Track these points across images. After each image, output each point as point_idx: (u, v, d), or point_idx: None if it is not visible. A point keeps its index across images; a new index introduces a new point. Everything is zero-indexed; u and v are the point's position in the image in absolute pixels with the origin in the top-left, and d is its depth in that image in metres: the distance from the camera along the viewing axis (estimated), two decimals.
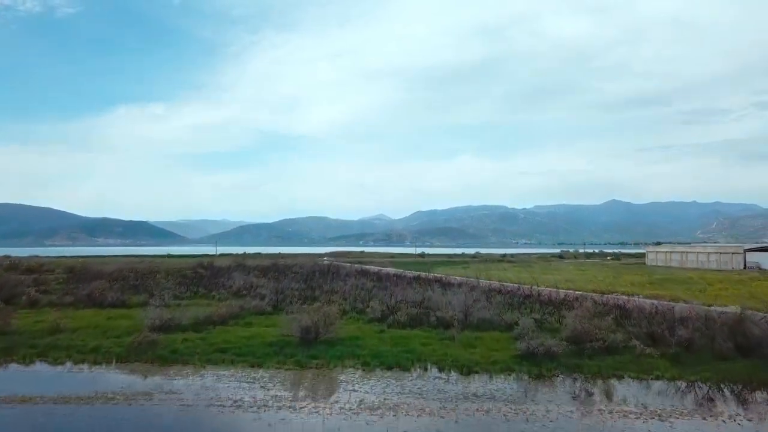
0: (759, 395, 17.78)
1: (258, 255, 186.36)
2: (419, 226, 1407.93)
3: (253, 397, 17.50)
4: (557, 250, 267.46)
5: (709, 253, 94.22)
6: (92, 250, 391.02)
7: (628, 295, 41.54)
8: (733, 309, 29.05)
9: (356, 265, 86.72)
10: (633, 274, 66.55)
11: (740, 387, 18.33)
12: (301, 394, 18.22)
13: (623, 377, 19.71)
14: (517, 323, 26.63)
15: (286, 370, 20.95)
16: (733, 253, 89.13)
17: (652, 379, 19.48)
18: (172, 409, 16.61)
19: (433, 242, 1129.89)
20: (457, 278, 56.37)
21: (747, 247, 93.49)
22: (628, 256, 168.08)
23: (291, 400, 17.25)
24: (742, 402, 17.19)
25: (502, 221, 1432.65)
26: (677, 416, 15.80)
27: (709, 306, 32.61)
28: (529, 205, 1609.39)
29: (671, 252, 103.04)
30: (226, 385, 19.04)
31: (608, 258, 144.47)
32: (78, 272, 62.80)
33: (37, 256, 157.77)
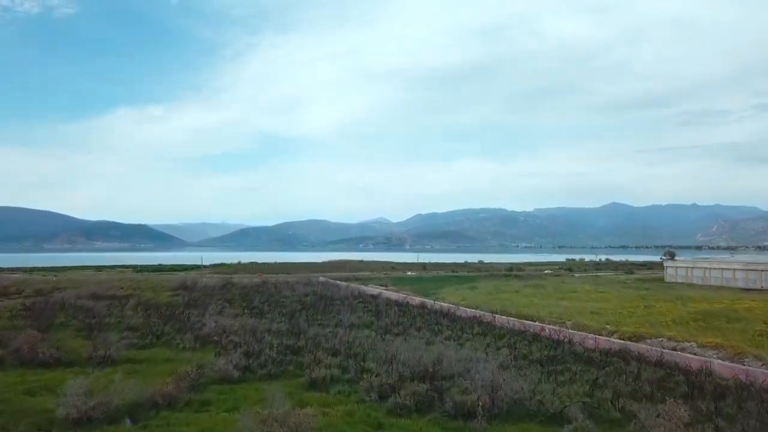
0: None
1: (252, 265, 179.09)
2: (419, 230, 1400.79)
3: None
4: (562, 258, 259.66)
5: (735, 269, 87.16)
6: (87, 257, 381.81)
7: (677, 342, 34.44)
8: None
9: (353, 285, 79.50)
10: (663, 301, 59.39)
11: None
12: None
13: None
14: (562, 413, 19.52)
15: None
16: (762, 270, 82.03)
17: None
18: None
19: (433, 246, 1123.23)
20: (468, 311, 49.18)
21: None
22: (639, 267, 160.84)
23: None
24: None
25: (502, 224, 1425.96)
26: None
27: None
28: (529, 208, 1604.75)
29: (692, 267, 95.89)
30: None
31: (621, 271, 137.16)
32: (37, 303, 55.45)
33: (19, 269, 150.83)
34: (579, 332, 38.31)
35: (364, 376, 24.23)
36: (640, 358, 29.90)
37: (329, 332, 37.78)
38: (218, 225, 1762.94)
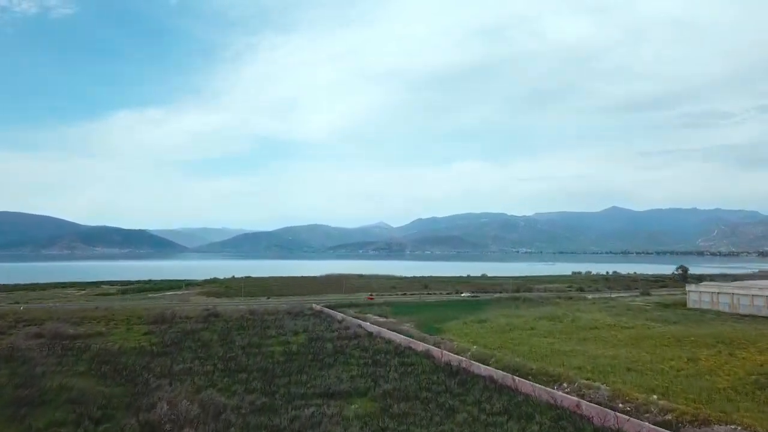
0: None
1: (247, 280, 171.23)
2: (419, 235, 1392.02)
3: None
4: (567, 269, 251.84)
5: (766, 296, 79.63)
6: (80, 267, 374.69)
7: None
8: None
9: (349, 318, 71.88)
10: (704, 346, 51.75)
11: None
12: None
13: None
14: None
15: None
16: None
17: None
18: None
19: (433, 251, 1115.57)
20: (482, 367, 41.56)
21: None
22: (651, 282, 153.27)
23: None
24: None
25: (503, 229, 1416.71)
26: None
27: None
28: (529, 212, 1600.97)
29: (719, 293, 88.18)
30: None
31: (634, 289, 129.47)
32: None
33: (2, 286, 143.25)
34: (623, 404, 30.88)
35: None
36: None
37: (314, 412, 30.27)
38: (218, 230, 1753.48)
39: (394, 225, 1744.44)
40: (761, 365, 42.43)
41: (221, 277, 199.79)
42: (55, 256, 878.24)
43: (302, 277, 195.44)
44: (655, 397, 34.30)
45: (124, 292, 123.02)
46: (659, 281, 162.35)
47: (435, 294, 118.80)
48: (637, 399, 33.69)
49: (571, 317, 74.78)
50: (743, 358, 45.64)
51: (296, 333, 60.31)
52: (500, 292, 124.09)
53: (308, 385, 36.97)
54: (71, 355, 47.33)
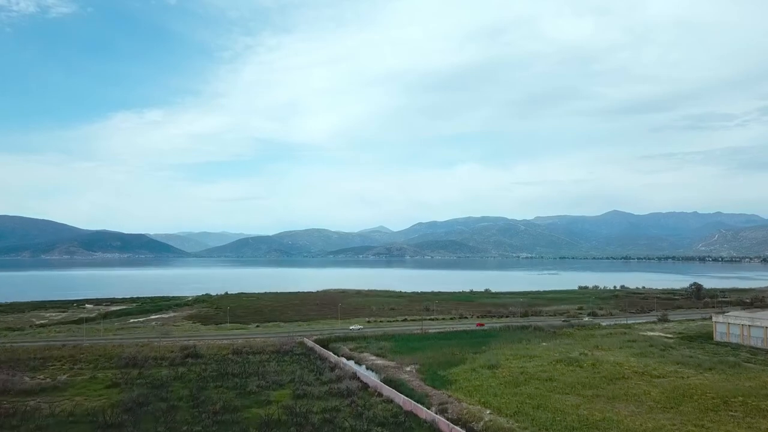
0: None
1: (239, 298, 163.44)
2: (419, 239, 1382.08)
3: None
4: (572, 282, 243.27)
5: None
6: (75, 276, 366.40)
7: None
8: None
9: (343, 364, 64.10)
10: (761, 414, 44.05)
11: None
12: None
13: None
14: None
15: None
16: None
17: None
18: None
19: (433, 256, 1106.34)
20: None
21: None
22: (664, 301, 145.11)
23: None
24: None
25: (503, 233, 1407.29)
26: None
27: None
28: (529, 216, 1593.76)
29: (750, 325, 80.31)
30: None
31: (651, 315, 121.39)
32: None
33: None
34: None
35: None
36: None
37: None
38: (218, 234, 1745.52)
39: (394, 229, 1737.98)
40: None
41: (215, 291, 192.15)
42: (55, 261, 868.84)
43: (298, 294, 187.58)
44: None
45: (105, 316, 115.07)
46: (672, 300, 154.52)
47: (437, 320, 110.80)
48: None
49: (590, 359, 67.00)
50: None
51: (281, 385, 52.74)
52: (507, 316, 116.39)
53: None
54: (7, 428, 39.65)
